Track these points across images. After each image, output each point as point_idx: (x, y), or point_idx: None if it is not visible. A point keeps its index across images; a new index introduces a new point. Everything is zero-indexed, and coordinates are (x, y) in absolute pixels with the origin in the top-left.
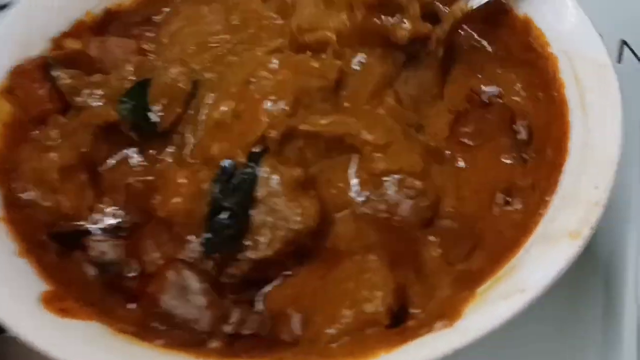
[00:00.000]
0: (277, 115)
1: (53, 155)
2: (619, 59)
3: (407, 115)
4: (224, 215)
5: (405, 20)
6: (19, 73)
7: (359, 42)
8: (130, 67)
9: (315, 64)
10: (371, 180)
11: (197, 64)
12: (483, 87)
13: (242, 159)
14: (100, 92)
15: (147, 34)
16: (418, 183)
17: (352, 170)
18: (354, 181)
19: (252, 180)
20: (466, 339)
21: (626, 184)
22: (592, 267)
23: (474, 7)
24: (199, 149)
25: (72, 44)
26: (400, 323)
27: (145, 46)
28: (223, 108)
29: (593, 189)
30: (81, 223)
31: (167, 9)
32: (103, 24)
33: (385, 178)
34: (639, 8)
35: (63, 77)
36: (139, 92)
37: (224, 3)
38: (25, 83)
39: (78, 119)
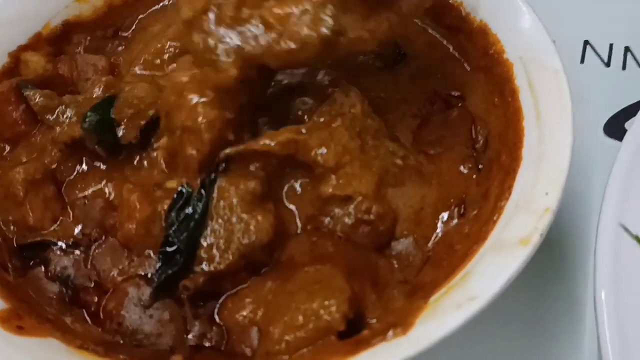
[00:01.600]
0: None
1: (19, 170)
2: (582, 59)
3: (370, 124)
4: (172, 248)
5: None
6: None
7: None
8: (99, 87)
9: None
10: (323, 203)
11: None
12: (443, 89)
13: (195, 184)
14: (70, 111)
15: (118, 48)
16: (374, 209)
17: (305, 188)
18: (307, 199)
19: (204, 211)
20: (418, 347)
21: (590, 183)
22: (557, 270)
23: None
24: (157, 171)
25: (31, 58)
26: (358, 331)
27: (115, 61)
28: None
29: (544, 195)
30: (45, 236)
31: (132, 22)
32: (62, 37)
33: (338, 202)
34: (601, 9)
35: (35, 97)
36: (104, 107)
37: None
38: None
39: (47, 137)
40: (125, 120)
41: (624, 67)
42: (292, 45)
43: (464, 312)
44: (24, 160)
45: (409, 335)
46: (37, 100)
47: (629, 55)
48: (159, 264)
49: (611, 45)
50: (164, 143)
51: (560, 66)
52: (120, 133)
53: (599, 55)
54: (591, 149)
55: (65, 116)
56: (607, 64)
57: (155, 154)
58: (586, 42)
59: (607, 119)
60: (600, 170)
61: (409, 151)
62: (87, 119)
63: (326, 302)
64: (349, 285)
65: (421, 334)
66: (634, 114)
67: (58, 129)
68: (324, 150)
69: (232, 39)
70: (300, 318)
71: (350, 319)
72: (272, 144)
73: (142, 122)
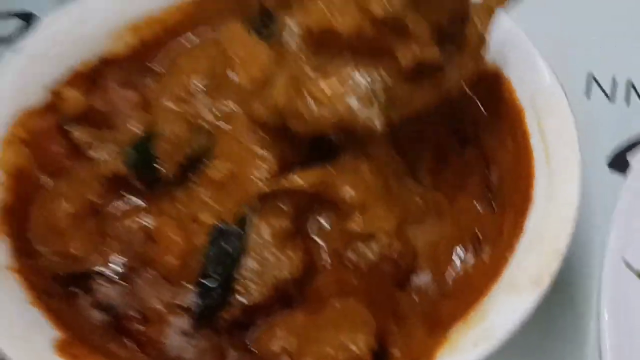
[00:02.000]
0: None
1: (63, 204)
2: (587, 94)
3: (392, 166)
4: (210, 282)
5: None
6: (36, 132)
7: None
8: (135, 122)
9: None
10: (348, 239)
11: (201, 118)
12: (460, 129)
13: (232, 220)
14: (111, 146)
15: (149, 84)
16: (396, 246)
17: (331, 224)
18: (334, 235)
19: (240, 246)
20: None
21: (594, 215)
22: (563, 301)
23: None
24: (195, 205)
25: (69, 93)
26: None
27: (146, 95)
28: (221, 168)
29: (554, 238)
30: (88, 266)
31: (162, 58)
32: (99, 72)
33: (362, 239)
34: (606, 44)
35: (78, 134)
36: (144, 144)
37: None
38: (43, 142)
39: (89, 170)
40: (164, 157)
41: (627, 102)
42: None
43: (480, 350)
44: (66, 193)
45: None
46: (80, 136)
47: (632, 91)
48: (198, 297)
49: (614, 79)
50: (212, 177)
51: (570, 115)
52: (159, 168)
53: (603, 90)
54: (595, 182)
55: (106, 152)
56: (612, 99)
57: (193, 188)
58: (591, 77)
59: (611, 153)
60: (605, 202)
61: (427, 190)
62: (128, 155)
63: (353, 335)
64: (373, 318)
65: None
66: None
67: (100, 164)
68: (350, 189)
69: None
70: (330, 350)
71: (375, 351)
72: (304, 183)
73: (181, 159)
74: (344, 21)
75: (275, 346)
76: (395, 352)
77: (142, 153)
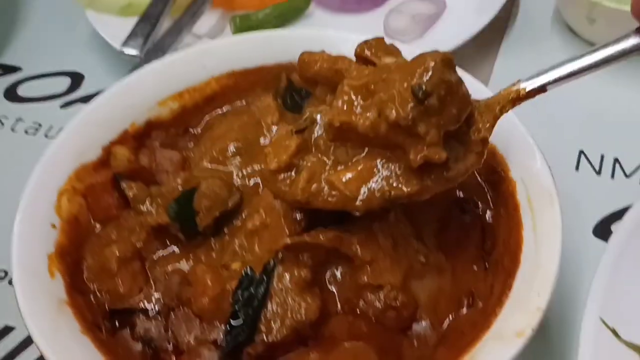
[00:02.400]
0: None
1: (113, 248)
2: (577, 167)
3: (401, 228)
4: (238, 322)
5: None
6: (92, 184)
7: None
8: (178, 180)
9: None
10: (359, 289)
11: (236, 177)
12: (461, 196)
13: (259, 269)
14: (157, 200)
15: (189, 144)
16: (400, 298)
17: (345, 275)
18: (347, 285)
19: (265, 291)
20: None
21: (580, 279)
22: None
23: (527, 89)
24: (227, 255)
25: (119, 151)
26: None
27: (186, 155)
28: (255, 220)
29: (537, 296)
30: (132, 303)
31: (199, 121)
32: (144, 134)
33: (371, 289)
34: (595, 123)
35: (130, 188)
36: (186, 199)
37: (249, 115)
38: (97, 193)
39: (137, 220)
40: (203, 210)
41: (612, 176)
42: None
43: None
44: (114, 238)
45: None
46: (131, 190)
47: (617, 166)
48: (227, 334)
49: (602, 155)
50: (246, 228)
51: (554, 189)
52: (197, 221)
53: (591, 165)
54: (581, 248)
55: (153, 205)
56: (599, 173)
57: (226, 240)
58: (581, 152)
59: (596, 221)
60: (588, 266)
61: (430, 251)
62: (172, 208)
63: None
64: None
65: None
66: (619, 219)
67: (147, 215)
68: (362, 246)
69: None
70: None
71: None
72: (322, 238)
73: (217, 213)
74: (363, 120)
75: None
76: None
77: (184, 206)
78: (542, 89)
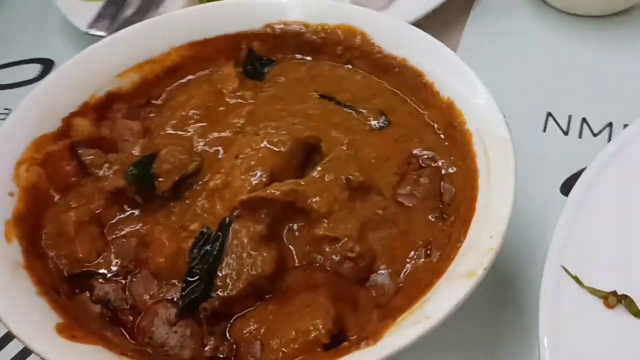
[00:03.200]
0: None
1: (71, 213)
2: (544, 128)
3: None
4: (194, 278)
5: None
6: (50, 153)
7: None
8: (137, 147)
9: None
10: (316, 243)
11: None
12: (419, 151)
13: (215, 227)
14: (114, 166)
15: (150, 115)
16: (357, 249)
17: (302, 230)
18: (304, 239)
19: (220, 248)
20: (382, 354)
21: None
22: (512, 303)
23: None
24: (185, 217)
25: (80, 122)
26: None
27: (147, 125)
28: (216, 180)
29: (489, 238)
30: (90, 267)
31: (160, 92)
32: (105, 105)
33: (328, 242)
34: (562, 84)
35: (87, 155)
36: (145, 163)
37: (210, 84)
38: (55, 161)
39: (94, 186)
40: (163, 175)
41: (580, 136)
42: None
43: (420, 328)
44: (73, 205)
45: (376, 346)
46: (88, 157)
47: (584, 126)
48: (183, 290)
49: (570, 116)
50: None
51: (508, 136)
52: (156, 185)
53: (559, 125)
54: (549, 204)
55: (110, 170)
56: (566, 133)
57: (184, 202)
58: (549, 114)
59: (563, 179)
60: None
61: (388, 203)
62: (129, 172)
63: (315, 321)
64: (334, 307)
65: (387, 344)
66: None
67: (104, 180)
68: (318, 199)
69: None
70: (294, 333)
71: (334, 335)
72: (277, 192)
73: (176, 177)
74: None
75: (247, 333)
76: (352, 337)
77: (143, 171)
78: None
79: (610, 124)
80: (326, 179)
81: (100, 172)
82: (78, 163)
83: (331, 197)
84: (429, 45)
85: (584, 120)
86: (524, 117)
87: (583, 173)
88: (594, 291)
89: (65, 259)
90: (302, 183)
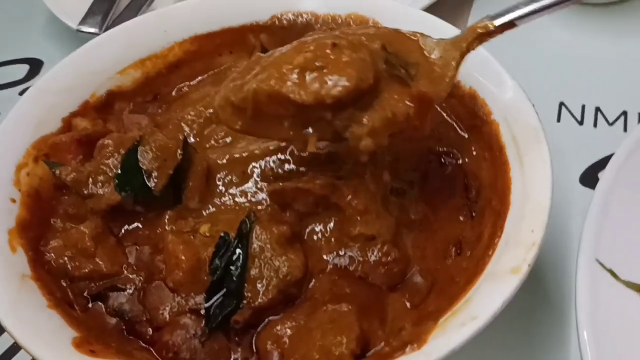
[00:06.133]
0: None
1: (82, 228)
2: (558, 118)
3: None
4: (221, 292)
5: None
6: (55, 144)
7: None
8: (109, 149)
9: None
10: (350, 241)
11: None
12: (440, 149)
13: (234, 231)
14: (100, 177)
15: (159, 110)
16: (393, 253)
17: (333, 228)
18: (334, 239)
19: (245, 255)
20: (433, 358)
21: (569, 225)
22: (546, 299)
23: (496, 24)
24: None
25: (80, 123)
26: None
27: (156, 120)
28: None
29: (530, 232)
30: (114, 282)
31: (171, 90)
32: (106, 104)
33: (361, 241)
34: (575, 74)
35: (65, 172)
36: (130, 164)
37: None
38: (61, 153)
39: (85, 207)
40: (154, 170)
41: (595, 125)
42: None
43: (468, 329)
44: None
45: (423, 350)
46: (68, 175)
47: (599, 115)
48: (209, 304)
49: (583, 106)
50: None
51: (539, 124)
52: (151, 183)
53: (573, 115)
54: (569, 196)
55: (98, 186)
56: (581, 123)
57: (189, 204)
58: (561, 104)
59: (582, 170)
60: (578, 214)
61: (417, 204)
62: (118, 179)
63: (337, 339)
64: (358, 324)
65: (433, 348)
66: (605, 166)
67: (95, 198)
68: (355, 195)
69: None
70: (315, 352)
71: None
72: (316, 184)
73: (171, 171)
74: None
75: (269, 345)
76: (380, 347)
77: (130, 172)
78: (511, 24)
79: (624, 113)
80: (364, 177)
81: (87, 190)
82: (84, 157)
83: (368, 194)
84: (444, 31)
85: (597, 109)
86: (536, 107)
87: (610, 162)
88: (630, 284)
89: (88, 278)
90: (340, 176)
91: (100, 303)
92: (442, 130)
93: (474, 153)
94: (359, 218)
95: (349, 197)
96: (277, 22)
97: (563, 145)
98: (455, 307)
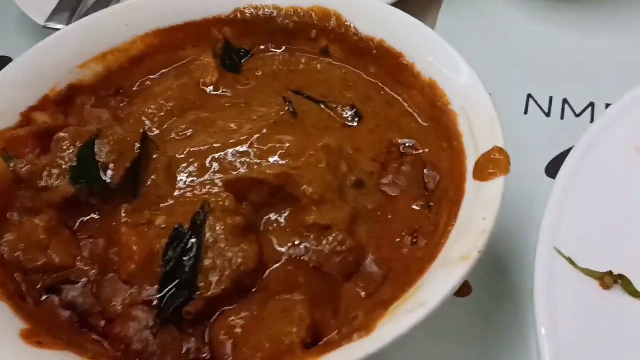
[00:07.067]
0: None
1: (37, 220)
2: (526, 110)
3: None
4: (174, 283)
5: None
6: (13, 138)
7: None
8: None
9: None
10: (304, 231)
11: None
12: (399, 140)
13: (187, 222)
14: (54, 170)
15: (121, 104)
16: (348, 243)
17: (288, 218)
18: (289, 229)
19: (198, 246)
20: (378, 345)
21: (533, 215)
22: (504, 287)
23: None
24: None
25: (40, 117)
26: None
27: (118, 114)
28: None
29: (481, 220)
30: (68, 275)
31: (133, 83)
32: (67, 98)
33: (316, 231)
34: (542, 66)
35: (20, 165)
36: (86, 157)
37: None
38: (19, 147)
39: (39, 199)
40: (111, 162)
41: (562, 117)
42: None
43: (415, 316)
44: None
45: (370, 337)
46: (23, 167)
47: (566, 107)
48: (162, 295)
49: (551, 98)
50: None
51: (494, 114)
52: (108, 176)
53: (540, 107)
54: (534, 188)
55: (52, 178)
56: (548, 114)
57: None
58: (529, 96)
59: (548, 161)
60: (542, 205)
61: (373, 194)
62: (73, 172)
63: (288, 329)
64: (310, 313)
65: (381, 334)
66: None
67: (50, 191)
68: (310, 184)
69: None
70: (266, 341)
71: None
72: (269, 173)
73: (128, 164)
74: None
75: (222, 336)
76: (333, 335)
77: (87, 164)
78: None
79: (592, 104)
80: (319, 166)
81: (42, 183)
82: (42, 151)
83: (324, 184)
84: (408, 25)
85: (565, 101)
86: (504, 99)
87: (570, 153)
88: (589, 272)
89: (41, 271)
90: (295, 167)
91: (55, 296)
92: (402, 121)
93: (434, 143)
94: (314, 208)
95: (304, 186)
96: (239, 15)
97: (530, 137)
98: (406, 294)
